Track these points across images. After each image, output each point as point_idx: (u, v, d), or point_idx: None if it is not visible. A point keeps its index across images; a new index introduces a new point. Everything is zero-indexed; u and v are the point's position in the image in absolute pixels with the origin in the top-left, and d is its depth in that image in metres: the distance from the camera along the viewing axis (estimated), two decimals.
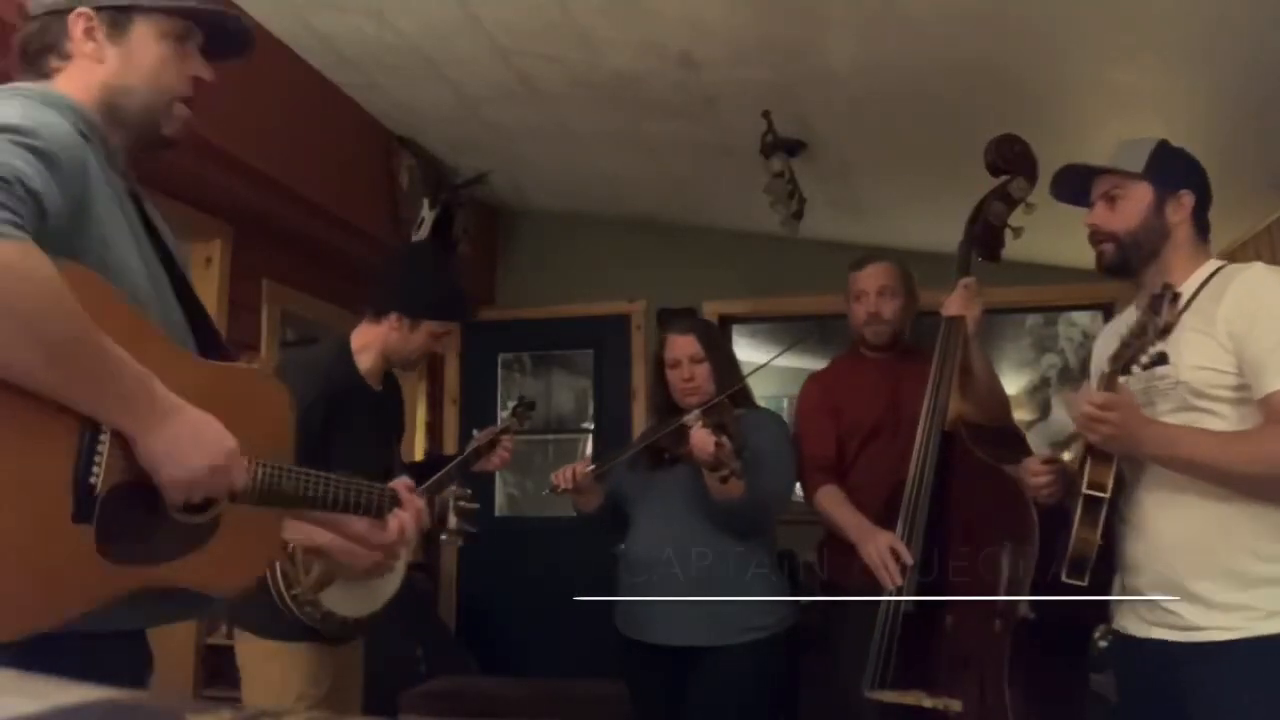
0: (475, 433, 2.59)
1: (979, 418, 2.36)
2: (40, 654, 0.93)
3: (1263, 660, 1.59)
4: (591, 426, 4.61)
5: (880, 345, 2.68)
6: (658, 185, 4.05)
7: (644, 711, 2.56)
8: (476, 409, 4.54)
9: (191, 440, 1.12)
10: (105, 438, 1.09)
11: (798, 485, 2.75)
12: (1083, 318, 4.88)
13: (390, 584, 2.21)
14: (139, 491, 1.12)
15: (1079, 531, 1.73)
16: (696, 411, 2.32)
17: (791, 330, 5.63)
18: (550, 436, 4.68)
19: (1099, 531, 1.71)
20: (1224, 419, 1.67)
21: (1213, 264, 1.80)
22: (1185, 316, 1.73)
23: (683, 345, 2.55)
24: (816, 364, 4.26)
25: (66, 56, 1.25)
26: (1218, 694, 1.61)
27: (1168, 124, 2.74)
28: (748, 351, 5.03)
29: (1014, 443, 2.32)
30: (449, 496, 2.39)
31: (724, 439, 2.14)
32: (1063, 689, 2.01)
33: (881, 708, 2.14)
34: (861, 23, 2.50)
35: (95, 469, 1.08)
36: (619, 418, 4.43)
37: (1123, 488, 1.82)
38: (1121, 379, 1.75)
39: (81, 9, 1.24)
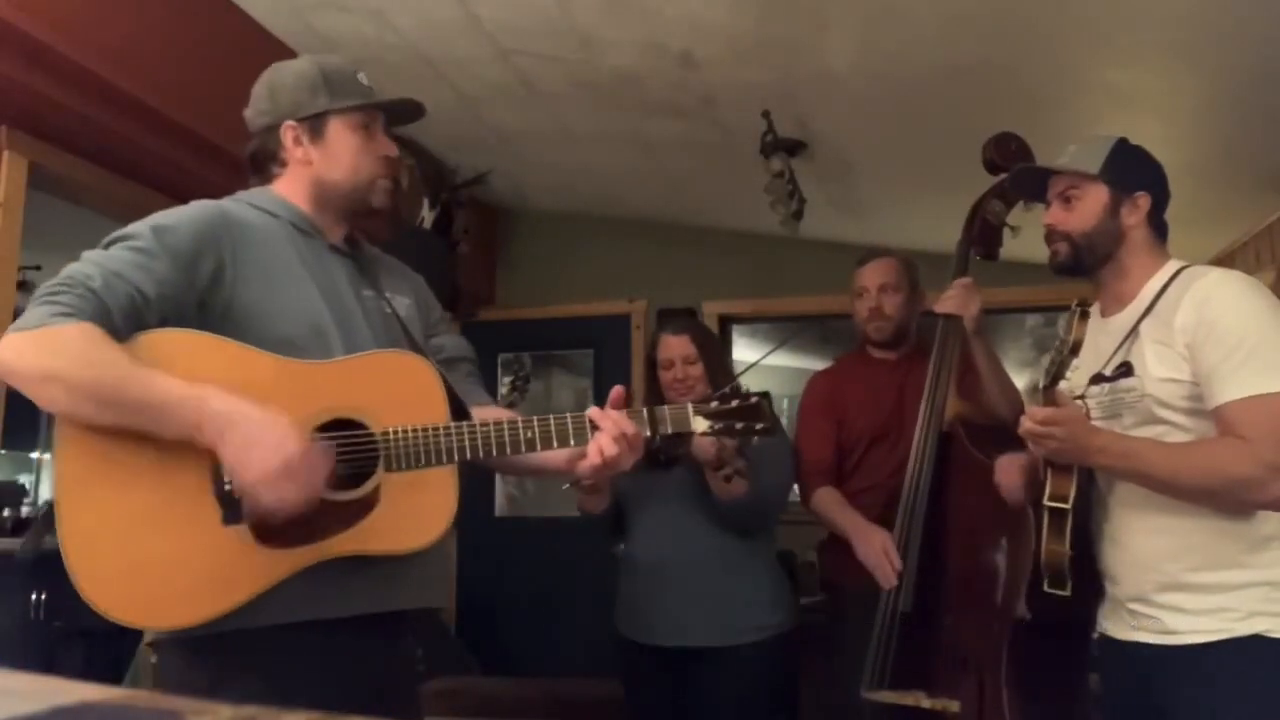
0: None
1: (982, 417, 2.36)
2: (274, 647, 1.29)
3: (1242, 661, 1.59)
4: None
5: (883, 341, 2.68)
6: (658, 185, 4.05)
7: (642, 714, 2.56)
8: None
9: (246, 449, 1.24)
10: None
11: (795, 489, 2.75)
12: None
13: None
14: None
15: (1047, 544, 1.73)
16: None
17: (789, 330, 5.63)
18: None
19: (1067, 541, 1.71)
20: (1187, 431, 1.67)
21: (1171, 266, 1.79)
22: (1146, 326, 1.73)
23: (676, 345, 2.54)
24: (817, 364, 4.26)
25: (284, 163, 1.53)
26: (1198, 696, 1.61)
27: (1168, 124, 2.75)
28: (748, 352, 5.03)
29: (1012, 441, 2.32)
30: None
31: (725, 439, 2.13)
32: (1062, 689, 2.02)
33: (880, 708, 2.15)
34: (861, 23, 2.50)
35: (228, 477, 1.28)
36: None
37: (1098, 499, 1.82)
38: (1083, 389, 1.76)
39: (288, 122, 1.51)
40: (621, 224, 4.57)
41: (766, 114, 3.10)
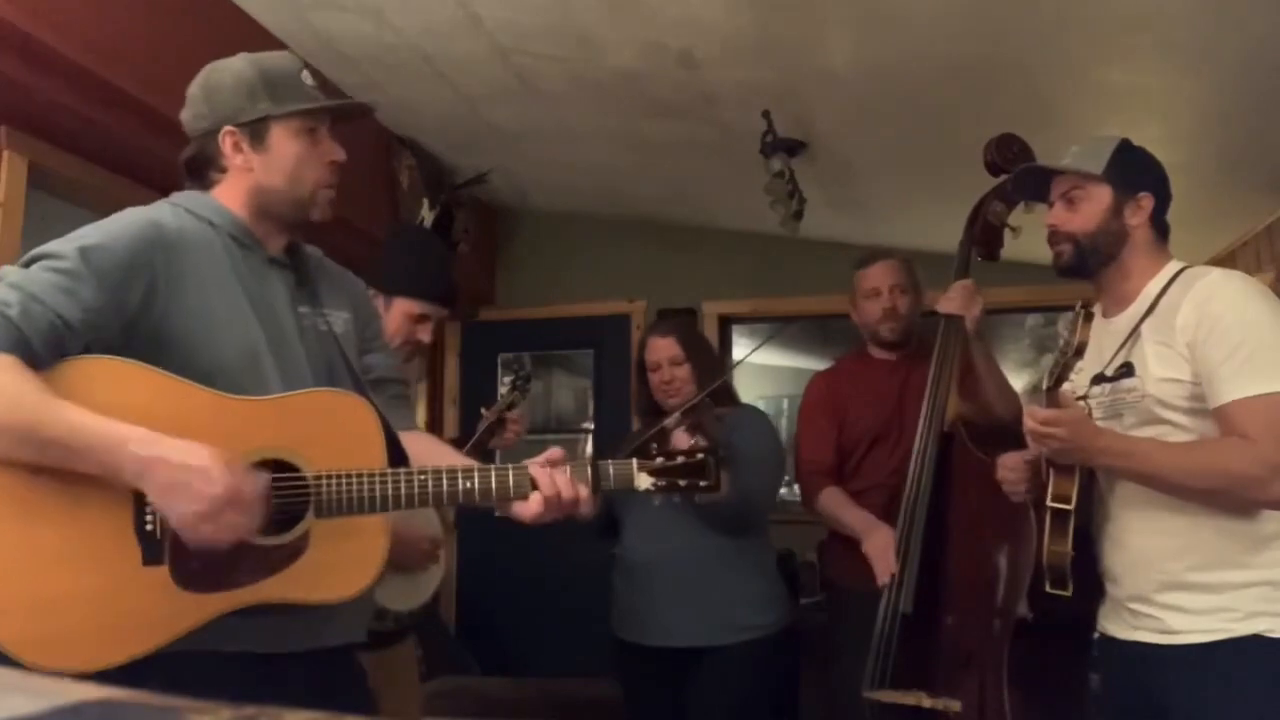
0: (483, 410, 2.57)
1: (982, 417, 2.36)
2: (192, 675, 1.14)
3: (1242, 660, 1.59)
4: (591, 426, 4.61)
5: (895, 342, 2.67)
6: (658, 185, 4.05)
7: (639, 715, 2.55)
8: (476, 409, 4.54)
9: (172, 490, 1.18)
10: None
11: (796, 489, 2.75)
12: None
13: (435, 573, 2.19)
14: None
15: (1049, 544, 1.73)
16: (676, 414, 2.32)
17: (788, 330, 5.61)
18: (550, 436, 4.67)
19: (1069, 542, 1.71)
20: (1188, 431, 1.67)
21: (1173, 267, 1.79)
22: (1147, 327, 1.73)
23: (663, 348, 2.54)
24: (817, 364, 4.25)
25: (223, 170, 1.46)
26: (1199, 695, 1.62)
27: (1168, 124, 2.75)
28: (748, 352, 5.03)
29: (1013, 441, 2.32)
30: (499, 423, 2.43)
31: (699, 439, 2.14)
32: (1063, 689, 2.02)
33: (881, 708, 2.15)
34: (861, 23, 2.50)
35: (149, 516, 1.22)
36: (619, 418, 4.43)
37: (1099, 499, 1.82)
38: (1085, 390, 1.76)
39: (227, 128, 1.44)
40: (621, 224, 4.57)
41: (766, 114, 3.10)
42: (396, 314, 2.20)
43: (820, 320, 4.64)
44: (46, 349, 1.21)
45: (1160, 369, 1.69)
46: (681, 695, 2.44)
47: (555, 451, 1.46)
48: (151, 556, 1.22)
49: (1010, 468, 1.93)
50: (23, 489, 1.19)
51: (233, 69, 1.47)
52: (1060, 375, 1.66)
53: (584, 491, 1.43)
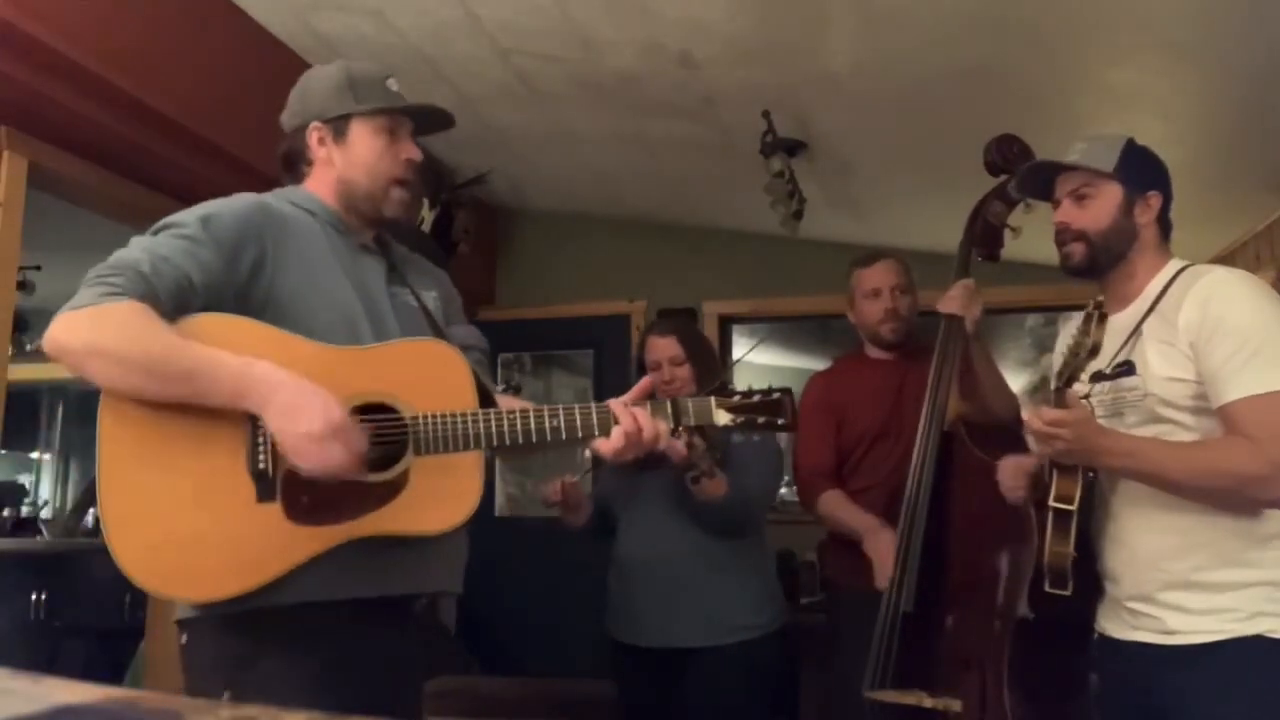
0: None
1: (982, 417, 2.36)
2: (299, 624, 1.34)
3: (1243, 661, 1.59)
4: None
5: (897, 343, 2.67)
6: (658, 185, 4.05)
7: (635, 716, 2.55)
8: None
9: (291, 412, 1.29)
10: (263, 427, 1.32)
11: (795, 492, 2.74)
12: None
13: None
14: None
15: (1051, 545, 1.72)
16: None
17: (788, 330, 5.62)
18: None
19: (1071, 543, 1.71)
20: (1191, 430, 1.67)
21: (1174, 265, 1.79)
22: (1149, 326, 1.72)
23: (663, 347, 2.53)
24: (817, 364, 4.25)
25: (310, 163, 1.59)
26: (1199, 696, 1.61)
27: (1168, 124, 2.74)
28: (744, 352, 5.02)
29: (1014, 441, 2.32)
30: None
31: (695, 439, 2.12)
32: (1063, 688, 2.01)
33: (881, 708, 2.14)
34: (862, 23, 2.50)
35: (261, 455, 1.33)
36: None
37: (1100, 498, 1.81)
38: (1087, 388, 1.75)
39: (314, 124, 1.57)
40: (621, 224, 4.57)
41: (766, 114, 3.10)
42: None
43: (820, 320, 4.64)
44: (172, 303, 1.33)
45: (1163, 368, 1.68)
46: (677, 696, 2.44)
47: (646, 381, 1.55)
48: (265, 494, 1.33)
49: (1009, 474, 1.92)
50: (147, 435, 1.32)
51: (325, 72, 1.61)
52: (1071, 375, 1.65)
53: (664, 427, 1.49)
